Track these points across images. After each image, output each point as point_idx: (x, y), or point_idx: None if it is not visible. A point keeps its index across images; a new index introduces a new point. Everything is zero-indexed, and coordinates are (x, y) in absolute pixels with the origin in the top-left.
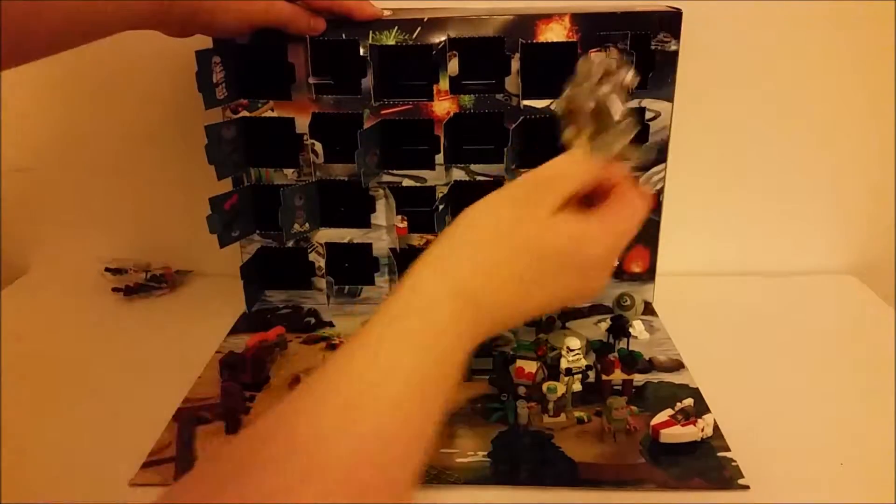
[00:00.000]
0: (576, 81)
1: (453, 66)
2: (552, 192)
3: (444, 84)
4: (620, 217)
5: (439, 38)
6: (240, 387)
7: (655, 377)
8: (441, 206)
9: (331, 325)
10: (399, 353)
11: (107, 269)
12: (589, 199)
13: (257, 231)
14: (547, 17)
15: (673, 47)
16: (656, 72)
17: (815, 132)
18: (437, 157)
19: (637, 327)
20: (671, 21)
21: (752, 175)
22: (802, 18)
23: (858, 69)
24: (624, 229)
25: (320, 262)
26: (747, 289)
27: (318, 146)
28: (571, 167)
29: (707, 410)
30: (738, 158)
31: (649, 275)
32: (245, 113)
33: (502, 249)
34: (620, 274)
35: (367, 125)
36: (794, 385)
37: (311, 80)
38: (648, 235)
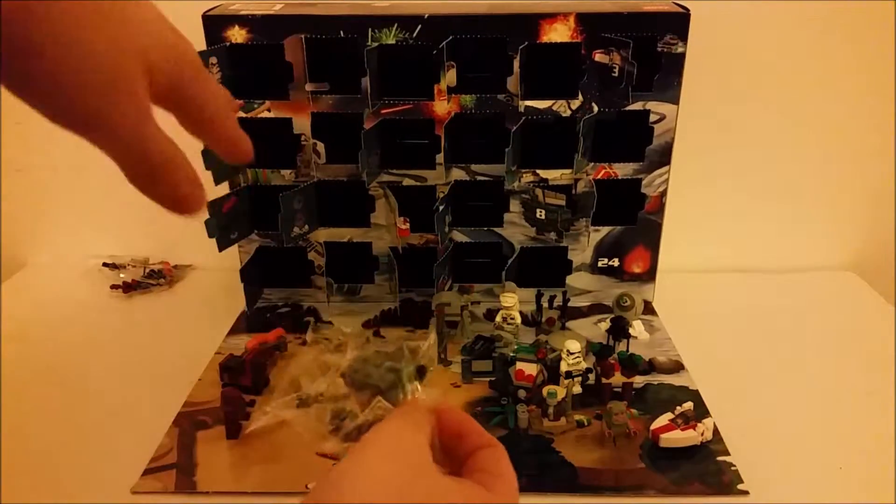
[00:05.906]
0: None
1: (451, 76)
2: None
3: (444, 83)
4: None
5: (440, 36)
6: (239, 391)
7: (655, 379)
8: (441, 207)
9: (330, 325)
10: None
11: (105, 265)
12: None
13: (255, 231)
14: (552, 16)
15: (679, 49)
16: (662, 74)
17: (816, 131)
18: (437, 156)
19: (637, 327)
20: (678, 22)
21: (753, 173)
22: (803, 21)
23: (859, 70)
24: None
25: (320, 261)
26: (747, 286)
27: (321, 146)
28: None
29: (707, 414)
30: (740, 156)
31: (649, 275)
32: (241, 114)
33: None
34: (621, 274)
35: (367, 125)
36: (793, 385)
37: (308, 88)
38: (650, 237)
